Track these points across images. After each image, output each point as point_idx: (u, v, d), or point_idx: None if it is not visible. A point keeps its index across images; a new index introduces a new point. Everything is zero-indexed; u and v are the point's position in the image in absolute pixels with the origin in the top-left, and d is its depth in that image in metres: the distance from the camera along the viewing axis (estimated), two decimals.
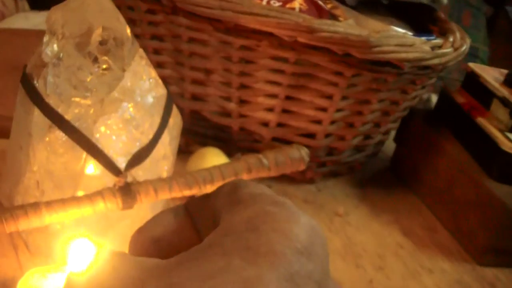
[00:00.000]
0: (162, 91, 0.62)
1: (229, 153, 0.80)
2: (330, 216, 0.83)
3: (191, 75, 0.82)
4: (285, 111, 0.81)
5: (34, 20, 1.54)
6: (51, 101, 0.57)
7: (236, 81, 0.79)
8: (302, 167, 0.64)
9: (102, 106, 0.58)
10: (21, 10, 1.64)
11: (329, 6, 0.86)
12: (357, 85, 0.79)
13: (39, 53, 0.59)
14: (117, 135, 0.58)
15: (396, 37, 0.76)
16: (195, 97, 0.84)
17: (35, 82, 0.58)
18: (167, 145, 0.63)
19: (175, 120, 0.63)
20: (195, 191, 0.60)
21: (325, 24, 0.72)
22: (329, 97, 0.80)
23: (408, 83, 0.83)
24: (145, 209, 0.62)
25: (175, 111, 0.63)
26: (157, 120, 0.60)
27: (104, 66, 0.58)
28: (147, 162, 0.60)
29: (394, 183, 0.96)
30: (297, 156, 0.63)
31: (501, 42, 2.14)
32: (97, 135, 0.57)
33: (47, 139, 0.57)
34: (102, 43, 0.59)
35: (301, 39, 0.72)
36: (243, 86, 0.80)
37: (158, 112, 0.61)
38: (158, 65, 0.84)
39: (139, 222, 0.62)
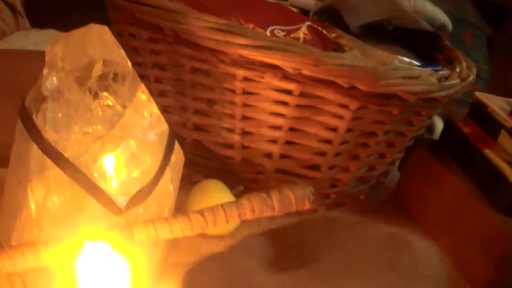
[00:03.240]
0: (164, 127, 0.60)
1: (231, 185, 0.79)
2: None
3: (194, 105, 0.80)
4: (288, 142, 0.80)
5: (35, 38, 1.52)
6: (50, 137, 0.56)
7: (239, 112, 0.78)
8: (307, 206, 0.62)
9: (102, 143, 0.56)
10: (22, 28, 1.63)
11: (333, 35, 0.85)
12: (362, 117, 0.78)
13: (39, 86, 0.58)
14: (117, 173, 0.57)
15: (403, 69, 0.75)
16: (198, 127, 0.82)
17: (34, 116, 0.57)
18: (168, 183, 0.61)
19: (177, 157, 0.62)
20: (197, 231, 0.58)
21: (331, 57, 0.71)
22: (334, 129, 0.78)
23: (414, 114, 0.82)
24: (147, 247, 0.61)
25: (177, 147, 0.62)
26: (159, 157, 0.59)
27: (105, 103, 0.57)
28: (149, 201, 0.59)
29: (397, 213, 0.94)
30: (302, 196, 0.61)
31: (501, 60, 2.13)
32: (96, 174, 0.55)
33: (46, 176, 0.56)
34: (102, 77, 0.57)
35: (306, 72, 0.71)
36: (246, 118, 0.78)
37: (160, 149, 0.59)
38: (160, 94, 0.83)
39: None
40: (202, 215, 0.57)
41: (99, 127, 0.56)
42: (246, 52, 0.70)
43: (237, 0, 0.82)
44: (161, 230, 0.56)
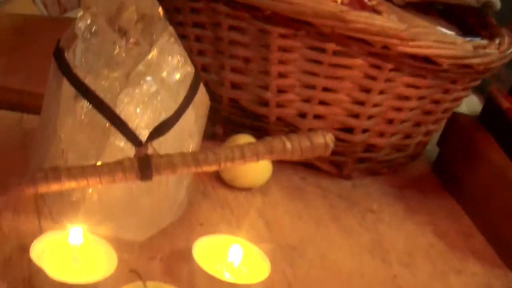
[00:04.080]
0: (189, 69, 0.63)
1: None
2: (362, 212, 0.81)
3: (231, 63, 0.83)
4: (322, 102, 0.81)
5: None
6: (79, 72, 0.59)
7: (273, 70, 0.80)
8: (326, 153, 0.63)
9: (127, 79, 0.59)
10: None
11: (373, 2, 0.85)
12: (395, 80, 0.78)
13: (72, 27, 0.61)
14: (141, 109, 0.60)
15: (436, 34, 0.75)
16: (234, 86, 0.84)
17: (66, 54, 0.60)
18: (192, 123, 0.64)
19: (202, 99, 0.64)
20: (215, 168, 0.60)
21: (362, 16, 0.71)
22: (367, 90, 0.79)
23: (449, 82, 0.81)
24: (167, 183, 0.64)
25: (202, 90, 0.64)
26: (182, 96, 0.61)
27: (132, 41, 0.60)
28: (171, 137, 0.61)
29: (434, 187, 0.93)
30: (321, 142, 0.62)
31: None
32: (121, 107, 0.59)
33: (74, 109, 0.59)
34: (132, 18, 0.60)
35: (338, 30, 0.72)
36: (280, 76, 0.80)
37: (184, 89, 0.62)
38: (199, 53, 0.86)
39: (162, 198, 0.63)
40: (221, 152, 0.59)
41: (125, 64, 0.59)
42: (279, 8, 0.72)
43: None
44: (179, 164, 0.58)
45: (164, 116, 0.60)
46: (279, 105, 0.82)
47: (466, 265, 0.76)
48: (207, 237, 0.62)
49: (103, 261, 0.55)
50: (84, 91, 0.58)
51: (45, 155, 0.63)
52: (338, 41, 0.74)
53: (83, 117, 0.59)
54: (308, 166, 0.87)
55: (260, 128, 0.85)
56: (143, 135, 0.59)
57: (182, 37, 0.87)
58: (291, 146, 0.61)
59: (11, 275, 0.54)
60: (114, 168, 0.57)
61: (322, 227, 0.76)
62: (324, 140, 0.62)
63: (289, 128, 0.84)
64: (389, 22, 0.72)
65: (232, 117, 0.86)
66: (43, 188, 0.56)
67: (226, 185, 0.78)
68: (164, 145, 0.61)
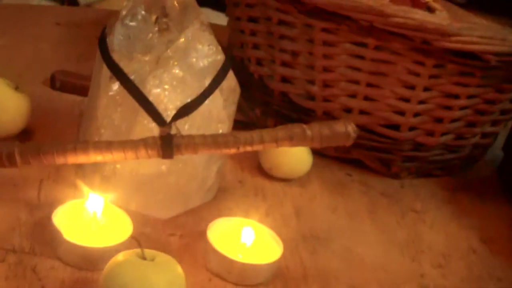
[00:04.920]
0: (219, 57, 0.65)
1: None
2: (404, 210, 0.81)
3: (280, 57, 0.85)
4: (367, 98, 0.81)
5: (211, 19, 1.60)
6: (116, 55, 0.63)
7: (319, 64, 0.81)
8: (348, 142, 0.64)
9: (157, 63, 0.63)
10: None
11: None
12: (440, 76, 0.77)
13: (117, 14, 0.66)
14: (168, 91, 0.63)
15: (483, 29, 0.73)
16: (284, 79, 0.86)
17: (107, 39, 0.65)
18: (220, 108, 0.66)
19: (230, 85, 0.67)
20: (234, 151, 0.62)
21: (401, 10, 0.71)
22: (411, 87, 0.78)
23: (502, 81, 0.79)
24: (196, 166, 0.66)
25: (231, 77, 0.67)
26: (208, 82, 0.64)
27: (164, 27, 0.63)
28: (198, 120, 0.64)
29: (493, 192, 0.90)
30: (343, 131, 0.63)
31: None
32: (149, 89, 0.62)
33: (108, 89, 0.64)
34: (166, 6, 0.64)
35: (377, 24, 0.72)
36: (326, 70, 0.81)
37: (211, 75, 0.64)
38: (254, 47, 0.89)
39: (189, 179, 0.66)
40: (241, 135, 0.62)
41: (156, 48, 0.63)
42: (320, 2, 0.73)
43: None
44: (200, 145, 0.61)
45: (189, 99, 0.63)
46: (325, 100, 0.83)
47: (509, 272, 0.74)
48: (223, 219, 0.64)
49: (118, 229, 0.59)
50: (118, 73, 0.63)
51: (86, 132, 0.68)
52: (378, 36, 0.74)
53: (116, 97, 0.64)
54: (355, 163, 0.87)
55: (308, 122, 0.86)
56: (168, 115, 0.62)
57: (240, 31, 0.91)
58: (311, 133, 0.63)
59: (36, 237, 0.59)
60: (138, 145, 0.60)
61: (355, 220, 0.76)
62: (345, 129, 0.63)
63: None
64: (430, 17, 0.72)
65: (282, 111, 0.88)
66: (72, 159, 0.61)
67: (265, 174, 0.80)
68: (191, 128, 0.64)
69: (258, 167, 0.80)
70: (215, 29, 0.67)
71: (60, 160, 0.60)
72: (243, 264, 0.59)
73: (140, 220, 0.63)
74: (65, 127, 0.78)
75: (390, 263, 0.70)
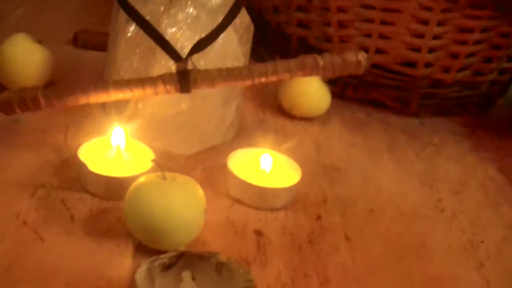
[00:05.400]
0: None
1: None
2: (422, 144, 0.82)
3: (296, 1, 0.86)
4: (382, 36, 0.82)
5: None
6: (131, 1, 0.66)
7: (333, 5, 0.82)
8: (359, 71, 0.65)
9: (170, 3, 0.65)
10: None
11: None
12: (452, 10, 0.78)
13: None
14: (182, 29, 0.65)
15: None
16: (300, 24, 0.88)
17: None
18: (235, 45, 0.68)
19: (244, 23, 0.68)
20: (249, 82, 0.64)
21: None
22: (424, 22, 0.79)
23: None
24: (214, 102, 0.69)
25: (244, 15, 0.68)
26: (220, 19, 0.66)
27: None
28: (214, 57, 0.66)
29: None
30: (353, 59, 0.64)
31: None
32: (164, 27, 0.64)
33: (126, 32, 0.66)
34: None
35: None
36: (340, 10, 0.82)
37: (223, 13, 0.66)
38: None
39: (208, 116, 0.68)
40: (255, 67, 0.63)
41: None
42: None
43: None
44: (216, 78, 0.63)
45: (202, 34, 0.65)
46: (342, 41, 0.85)
47: None
48: (243, 150, 0.66)
49: (141, 161, 0.61)
50: (133, 15, 0.65)
51: (107, 77, 0.71)
52: None
53: (134, 38, 0.66)
54: (375, 103, 0.88)
55: None
56: (184, 53, 0.64)
57: None
58: (322, 62, 0.64)
59: (64, 174, 0.62)
60: (156, 81, 0.63)
61: (374, 154, 0.77)
62: (356, 57, 0.64)
63: None
64: None
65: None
66: (93, 98, 0.63)
67: (285, 114, 0.81)
68: (208, 65, 0.66)
69: (279, 108, 0.82)
70: None
71: (82, 99, 0.63)
72: (262, 188, 0.61)
73: (164, 156, 0.65)
74: (88, 81, 0.81)
75: (408, 190, 0.71)
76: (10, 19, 0.97)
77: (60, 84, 0.77)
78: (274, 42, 0.92)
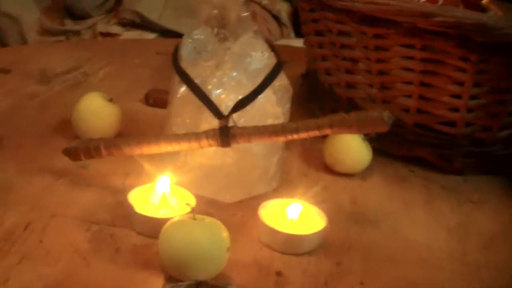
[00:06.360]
0: (271, 61, 0.75)
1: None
2: (461, 200, 0.85)
3: (343, 65, 0.93)
4: (422, 97, 0.87)
5: (294, 44, 1.72)
6: (183, 64, 0.75)
7: (375, 68, 0.88)
8: (384, 128, 0.70)
9: (217, 67, 0.74)
10: (286, 37, 1.90)
11: (484, 0, 0.90)
12: (487, 71, 0.82)
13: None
14: (227, 91, 0.74)
15: None
16: (348, 85, 0.94)
17: (178, 51, 0.77)
18: (275, 105, 0.76)
19: (283, 85, 0.76)
20: (283, 139, 0.71)
21: (440, 10, 0.78)
22: (460, 83, 0.84)
23: None
24: (256, 156, 0.76)
25: (283, 78, 0.76)
26: (260, 81, 0.74)
27: (222, 37, 0.75)
28: (254, 115, 0.74)
29: None
30: (378, 117, 0.70)
31: None
32: (210, 89, 0.73)
33: (178, 91, 0.75)
34: (224, 19, 0.75)
35: (420, 25, 0.79)
36: (382, 73, 0.88)
37: (263, 75, 0.74)
38: (322, 59, 0.98)
39: (251, 167, 0.75)
40: (288, 125, 0.71)
41: (216, 55, 0.74)
42: (368, 9, 0.82)
43: None
44: (253, 134, 0.70)
45: (243, 95, 0.73)
46: (384, 101, 0.91)
47: None
48: (274, 200, 0.73)
49: (183, 206, 0.69)
50: (184, 78, 0.74)
51: (165, 132, 0.80)
52: (422, 36, 0.81)
53: (185, 97, 0.75)
54: (419, 160, 0.92)
55: None
56: (226, 111, 0.72)
57: (311, 46, 1.00)
58: (349, 120, 0.70)
59: (116, 213, 0.71)
60: (200, 136, 0.71)
61: (409, 207, 0.82)
62: (381, 116, 0.70)
63: (395, 122, 0.90)
64: (470, 14, 0.77)
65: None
66: (147, 150, 0.73)
67: (328, 169, 0.87)
68: (248, 123, 0.74)
69: (323, 164, 0.88)
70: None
71: (137, 150, 0.73)
72: (287, 235, 0.68)
73: (207, 203, 0.73)
74: (146, 134, 0.91)
75: (435, 241, 0.75)
76: (95, 78, 1.10)
77: (121, 136, 0.87)
78: (326, 102, 0.99)
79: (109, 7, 1.97)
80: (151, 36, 1.84)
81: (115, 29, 1.89)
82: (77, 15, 1.96)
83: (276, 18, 1.90)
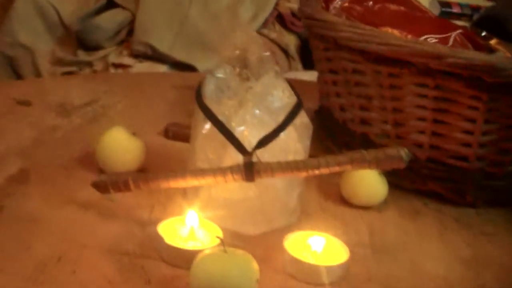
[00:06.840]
0: (292, 100, 0.79)
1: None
2: (475, 233, 0.88)
3: (358, 102, 0.97)
4: (435, 133, 0.91)
5: (302, 77, 1.77)
6: (207, 101, 0.79)
7: (389, 105, 0.92)
8: (401, 165, 0.73)
9: (239, 105, 0.77)
10: (293, 69, 1.94)
11: (492, 41, 0.94)
12: (498, 109, 0.85)
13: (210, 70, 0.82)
14: (250, 128, 0.77)
15: None
16: (363, 121, 0.98)
17: (201, 89, 0.81)
18: (296, 141, 0.79)
19: (303, 122, 0.79)
20: (304, 174, 0.75)
21: (452, 51, 0.82)
22: (472, 120, 0.87)
23: None
24: (277, 190, 0.79)
25: (303, 116, 0.80)
26: (282, 119, 0.77)
27: (244, 76, 0.78)
28: (276, 150, 0.77)
29: None
30: (396, 154, 0.73)
31: None
32: (234, 126, 0.77)
33: (202, 128, 0.79)
34: (246, 60, 0.79)
35: (432, 65, 0.83)
36: (396, 110, 0.92)
37: (284, 113, 0.78)
38: (337, 95, 1.02)
39: (273, 201, 0.78)
40: (309, 161, 0.74)
41: (239, 94, 0.78)
42: (382, 50, 0.86)
43: (402, 16, 0.98)
44: (276, 170, 0.74)
45: (266, 132, 0.76)
46: (398, 137, 0.94)
47: None
48: (299, 232, 0.76)
49: (209, 237, 0.72)
50: (209, 114, 0.78)
51: (189, 166, 0.83)
52: (435, 76, 0.85)
53: (209, 134, 0.79)
54: (432, 193, 0.95)
55: None
56: (251, 147, 0.76)
57: (324, 82, 1.04)
58: (368, 157, 0.74)
59: (146, 245, 0.74)
60: (225, 171, 0.75)
61: (424, 239, 0.85)
62: (398, 153, 0.74)
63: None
64: (480, 56, 0.81)
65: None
66: (173, 184, 0.76)
67: (345, 202, 0.91)
68: (271, 158, 0.77)
69: (340, 197, 0.91)
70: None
71: (164, 184, 0.76)
72: (311, 265, 0.71)
73: (232, 235, 0.76)
74: (172, 169, 0.94)
75: (452, 273, 0.77)
76: (113, 111, 1.14)
77: (148, 170, 0.90)
78: (341, 137, 1.02)
79: (120, 38, 2.02)
80: (162, 67, 1.88)
81: (127, 60, 1.93)
82: (90, 46, 2.01)
83: (284, 51, 1.95)
